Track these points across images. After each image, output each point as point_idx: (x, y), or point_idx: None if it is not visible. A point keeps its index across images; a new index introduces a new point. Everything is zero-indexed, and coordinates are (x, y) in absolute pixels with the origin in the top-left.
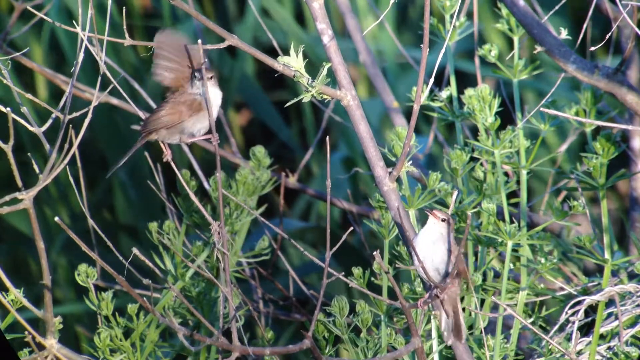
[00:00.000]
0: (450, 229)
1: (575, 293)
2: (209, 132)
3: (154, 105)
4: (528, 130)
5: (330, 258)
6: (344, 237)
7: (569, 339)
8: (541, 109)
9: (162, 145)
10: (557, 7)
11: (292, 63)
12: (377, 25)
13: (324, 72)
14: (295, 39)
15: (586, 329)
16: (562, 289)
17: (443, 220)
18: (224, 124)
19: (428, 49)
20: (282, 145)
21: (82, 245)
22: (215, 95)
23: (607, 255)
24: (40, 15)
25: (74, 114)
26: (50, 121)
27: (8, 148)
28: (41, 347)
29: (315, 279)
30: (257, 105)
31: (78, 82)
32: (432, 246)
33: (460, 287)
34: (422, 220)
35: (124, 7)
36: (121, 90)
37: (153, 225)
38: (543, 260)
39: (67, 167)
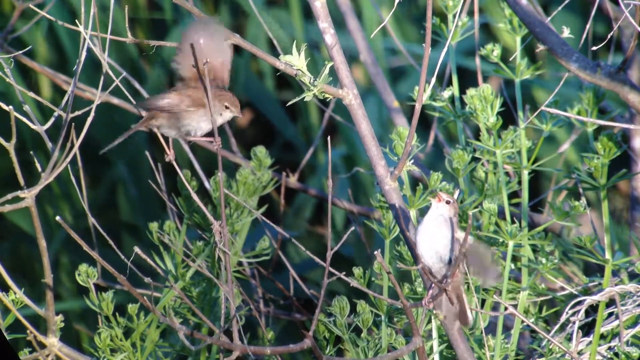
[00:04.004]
0: (455, 212)
1: (576, 293)
2: (210, 133)
3: None
4: (539, 130)
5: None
6: (345, 236)
7: (569, 338)
8: (543, 108)
9: (164, 144)
10: (560, 8)
11: (294, 62)
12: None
13: (326, 71)
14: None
15: (587, 329)
16: (562, 288)
17: (447, 202)
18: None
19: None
20: (284, 145)
21: (83, 244)
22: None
23: (607, 255)
24: (43, 13)
25: (76, 113)
26: (52, 120)
27: (10, 146)
28: (43, 345)
29: (317, 276)
30: (263, 103)
31: (79, 82)
32: (436, 231)
33: (462, 274)
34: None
35: (126, 5)
36: (124, 90)
37: (153, 225)
38: (544, 261)
39: (69, 165)
